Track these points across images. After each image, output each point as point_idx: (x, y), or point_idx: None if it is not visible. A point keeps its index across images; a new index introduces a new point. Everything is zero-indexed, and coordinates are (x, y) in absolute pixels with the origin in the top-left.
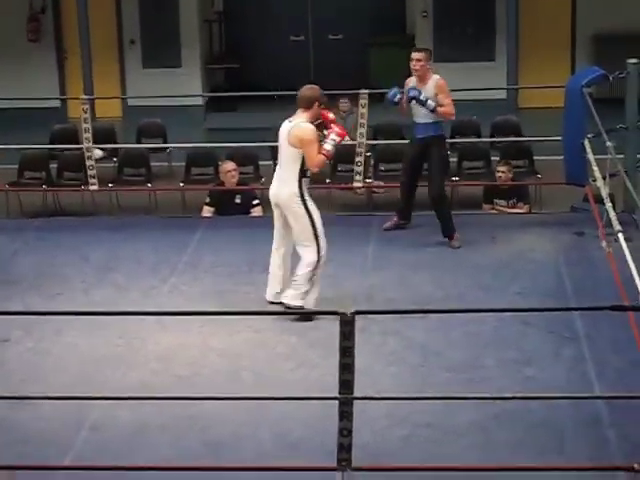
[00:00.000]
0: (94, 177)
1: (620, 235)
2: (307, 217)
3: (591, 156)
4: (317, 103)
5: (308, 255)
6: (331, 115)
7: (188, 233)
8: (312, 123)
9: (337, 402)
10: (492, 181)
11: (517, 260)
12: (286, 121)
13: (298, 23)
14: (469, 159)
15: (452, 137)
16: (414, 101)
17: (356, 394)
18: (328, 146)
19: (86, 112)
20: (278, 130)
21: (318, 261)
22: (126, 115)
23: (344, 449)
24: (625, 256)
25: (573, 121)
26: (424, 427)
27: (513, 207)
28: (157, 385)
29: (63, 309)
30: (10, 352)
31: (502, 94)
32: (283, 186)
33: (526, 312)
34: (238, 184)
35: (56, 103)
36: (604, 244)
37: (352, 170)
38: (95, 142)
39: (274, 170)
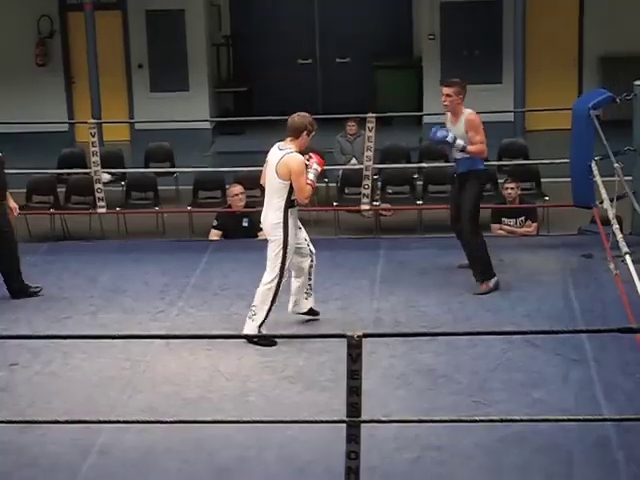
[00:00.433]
0: (102, 200)
1: (627, 257)
2: (282, 247)
3: (598, 178)
4: (306, 132)
5: (264, 285)
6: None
7: (196, 256)
8: (301, 152)
9: (345, 425)
10: (500, 202)
11: (525, 282)
12: (275, 147)
13: (305, 46)
14: None
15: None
16: (442, 143)
17: (364, 417)
18: (311, 176)
19: (94, 136)
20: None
21: (276, 292)
22: (134, 139)
23: (352, 472)
24: (633, 278)
25: (580, 143)
26: (432, 450)
27: (521, 226)
28: (165, 408)
29: (71, 332)
30: (18, 376)
31: (509, 116)
32: (269, 213)
33: (534, 334)
34: (245, 207)
35: (64, 127)
36: (612, 266)
37: (359, 193)
38: (103, 166)
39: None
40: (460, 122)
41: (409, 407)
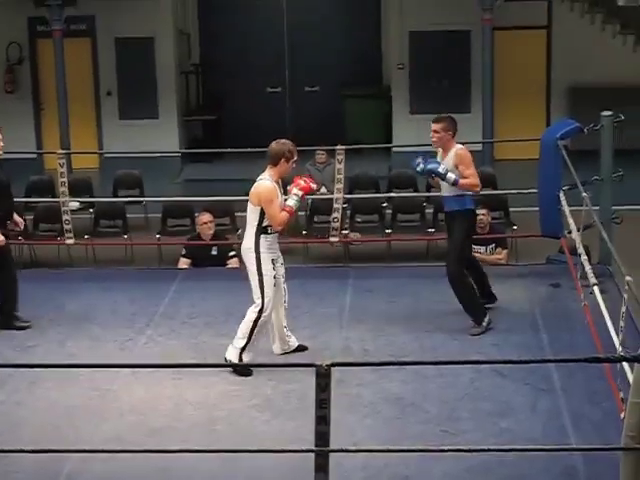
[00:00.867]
0: (70, 232)
1: (595, 287)
2: (257, 274)
3: (566, 208)
4: (284, 159)
5: (250, 312)
6: (311, 184)
7: (164, 284)
8: (280, 179)
9: (313, 454)
10: None
11: (493, 311)
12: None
13: (275, 75)
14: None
15: (428, 190)
16: (433, 174)
17: (332, 446)
18: (291, 202)
19: (62, 166)
20: (254, 182)
21: (258, 319)
22: (103, 166)
23: None
24: (600, 308)
25: (548, 173)
26: (400, 479)
27: (492, 253)
28: (132, 437)
29: (38, 361)
30: None
31: (478, 146)
32: (245, 239)
33: (502, 364)
34: (214, 236)
35: (32, 154)
36: (580, 296)
37: (329, 222)
38: (71, 193)
39: None
40: (449, 157)
41: (377, 436)
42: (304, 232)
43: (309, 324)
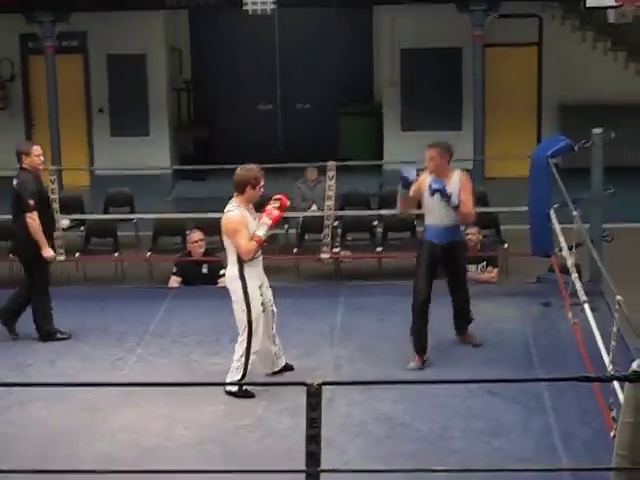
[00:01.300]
0: (61, 247)
1: (586, 306)
2: (244, 303)
3: (557, 226)
4: (249, 186)
5: (238, 347)
6: (275, 212)
7: (155, 303)
8: (249, 205)
9: (304, 474)
10: None
11: (484, 330)
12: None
13: (267, 92)
14: None
15: (419, 206)
16: (438, 194)
17: (323, 466)
18: (260, 232)
19: (53, 183)
20: None
21: (249, 346)
22: (94, 183)
23: None
24: (591, 326)
25: (539, 191)
26: None
27: (483, 272)
28: (123, 457)
29: (29, 380)
30: None
31: (469, 163)
32: (228, 267)
33: (493, 383)
34: (205, 254)
35: None
36: (570, 315)
37: (320, 239)
38: (62, 211)
39: None
40: (452, 182)
41: (368, 455)
42: (295, 250)
43: (300, 342)
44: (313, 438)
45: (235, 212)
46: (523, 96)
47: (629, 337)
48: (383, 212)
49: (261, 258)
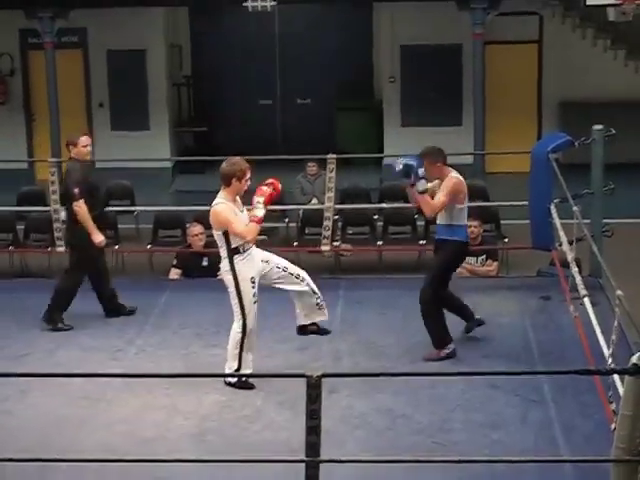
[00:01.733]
0: (61, 239)
1: (586, 300)
2: (235, 291)
3: (557, 221)
4: (235, 179)
5: (234, 331)
6: (265, 189)
7: (155, 295)
8: (235, 198)
9: (303, 465)
10: None
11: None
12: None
13: (266, 87)
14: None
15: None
16: (407, 170)
17: (323, 457)
18: (256, 212)
19: (53, 175)
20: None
21: (243, 339)
22: (94, 177)
23: None
24: (591, 320)
25: (539, 186)
26: None
27: (482, 264)
28: (122, 447)
29: (29, 370)
30: None
31: (469, 159)
32: (222, 262)
33: (493, 375)
34: (205, 247)
35: (24, 165)
36: (571, 309)
37: (320, 233)
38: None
39: None
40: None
41: (368, 447)
42: (295, 243)
43: (299, 335)
44: (313, 429)
45: (221, 204)
46: (523, 93)
47: (629, 331)
48: (383, 206)
49: (252, 249)
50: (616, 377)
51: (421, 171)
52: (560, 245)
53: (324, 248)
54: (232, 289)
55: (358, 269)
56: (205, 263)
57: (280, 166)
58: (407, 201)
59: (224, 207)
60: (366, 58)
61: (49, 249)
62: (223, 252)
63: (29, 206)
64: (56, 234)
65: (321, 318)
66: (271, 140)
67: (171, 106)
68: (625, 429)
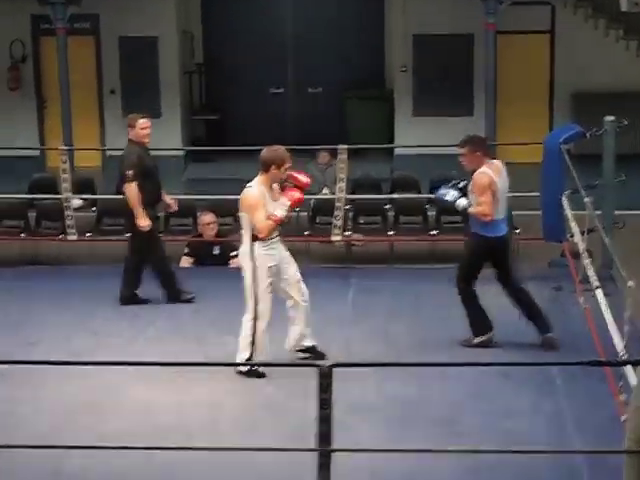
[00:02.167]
0: (72, 227)
1: (597, 291)
2: (250, 278)
3: (569, 212)
4: (274, 166)
5: (244, 325)
6: (302, 178)
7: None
8: (272, 185)
9: (316, 454)
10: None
11: (496, 314)
12: None
13: (278, 76)
14: (449, 213)
15: (430, 192)
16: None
17: (334, 446)
18: (278, 212)
19: (65, 162)
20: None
21: (254, 328)
22: (105, 164)
23: None
24: (602, 311)
25: (551, 178)
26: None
27: None
28: (135, 435)
29: (41, 357)
30: None
31: None
32: (242, 244)
33: (505, 366)
34: (217, 235)
35: (35, 152)
36: (581, 300)
37: (331, 222)
38: (74, 191)
39: None
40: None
41: (380, 436)
42: (306, 232)
43: (311, 324)
44: (324, 419)
45: (254, 189)
46: (535, 84)
47: None
48: (394, 196)
49: (278, 239)
50: (627, 368)
51: (452, 194)
52: (572, 236)
53: (335, 238)
54: (248, 274)
55: (369, 259)
56: (217, 252)
57: (291, 154)
58: (419, 191)
59: (255, 193)
60: (378, 47)
61: (60, 237)
62: (246, 235)
63: (40, 193)
64: (67, 222)
65: (306, 344)
66: (282, 128)
67: (183, 94)
68: (637, 420)
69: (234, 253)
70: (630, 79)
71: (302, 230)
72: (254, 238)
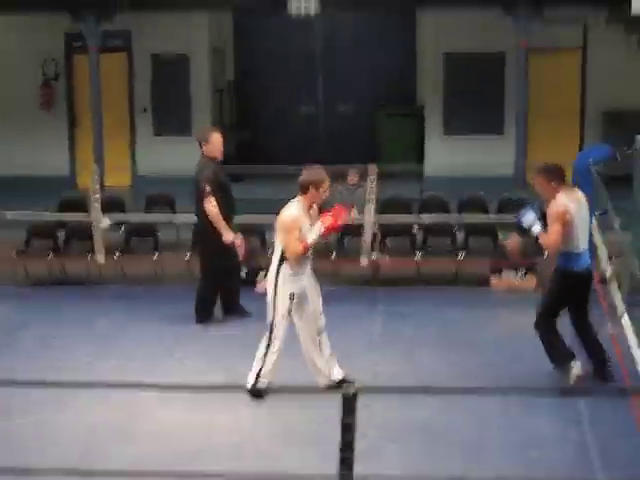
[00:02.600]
0: (101, 250)
1: (624, 317)
2: (272, 302)
3: (597, 236)
4: (313, 187)
5: (261, 344)
6: (331, 220)
7: (193, 304)
8: (311, 206)
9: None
10: (497, 257)
11: (522, 339)
12: None
13: (309, 94)
14: (476, 235)
15: (459, 212)
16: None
17: (357, 472)
18: (310, 237)
19: (95, 182)
20: (284, 202)
21: (267, 353)
22: (135, 183)
23: None
24: (628, 338)
25: None
26: None
27: (522, 279)
28: (158, 460)
29: (67, 380)
30: (12, 424)
31: (510, 169)
32: (272, 264)
33: (530, 394)
34: (244, 256)
35: (66, 171)
36: (608, 325)
37: (359, 244)
38: (104, 211)
39: None
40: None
41: (403, 462)
42: (334, 253)
43: (337, 347)
44: (348, 444)
45: (292, 211)
46: (566, 101)
47: None
48: (423, 219)
49: (309, 271)
50: None
51: (528, 219)
52: (599, 261)
53: (362, 261)
54: (270, 294)
55: (397, 281)
56: (244, 274)
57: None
58: (447, 211)
59: (292, 216)
60: (409, 65)
61: (89, 257)
62: (276, 255)
63: (70, 212)
64: (96, 245)
65: (322, 381)
66: (312, 147)
67: (213, 112)
68: None
69: (260, 276)
70: None
71: (329, 250)
72: (282, 259)
